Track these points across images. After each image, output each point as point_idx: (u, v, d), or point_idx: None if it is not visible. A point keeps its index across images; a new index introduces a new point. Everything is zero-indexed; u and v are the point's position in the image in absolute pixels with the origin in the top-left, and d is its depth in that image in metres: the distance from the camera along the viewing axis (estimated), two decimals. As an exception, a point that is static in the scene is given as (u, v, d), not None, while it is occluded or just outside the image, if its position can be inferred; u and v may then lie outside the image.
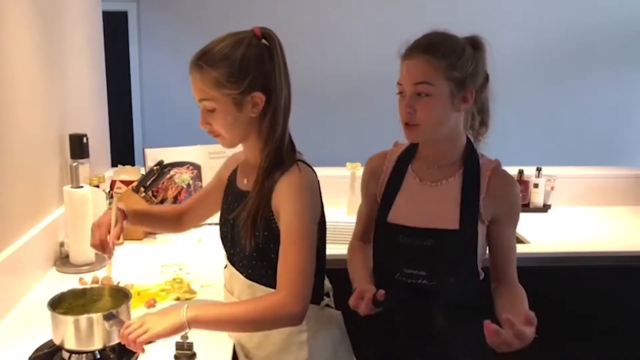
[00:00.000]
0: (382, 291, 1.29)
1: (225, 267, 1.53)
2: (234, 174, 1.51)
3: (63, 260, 2.03)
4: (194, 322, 1.25)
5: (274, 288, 1.31)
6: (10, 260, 1.69)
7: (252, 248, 1.35)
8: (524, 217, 2.69)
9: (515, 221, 1.46)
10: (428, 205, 1.43)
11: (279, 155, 1.34)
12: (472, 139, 1.46)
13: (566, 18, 4.79)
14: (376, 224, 1.51)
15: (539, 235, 2.55)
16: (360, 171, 2.84)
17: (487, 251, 1.49)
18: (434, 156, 1.46)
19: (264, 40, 1.34)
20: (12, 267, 1.71)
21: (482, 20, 4.25)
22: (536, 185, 2.89)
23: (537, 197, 2.89)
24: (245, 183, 1.44)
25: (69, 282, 1.87)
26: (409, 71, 1.36)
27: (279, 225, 1.32)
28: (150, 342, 1.25)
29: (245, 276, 1.42)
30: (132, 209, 1.59)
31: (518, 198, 1.46)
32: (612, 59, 5.00)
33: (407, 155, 1.51)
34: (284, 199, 1.31)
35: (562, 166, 3.15)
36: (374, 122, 3.16)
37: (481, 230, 1.41)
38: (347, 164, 2.83)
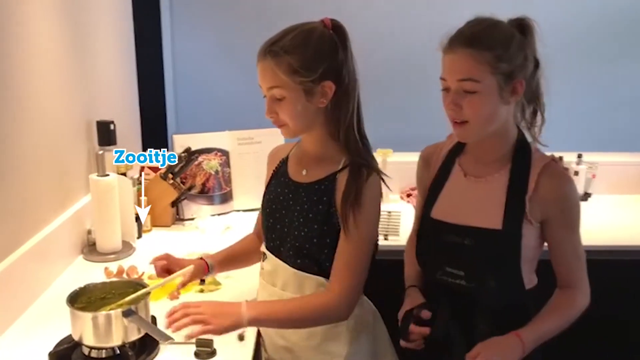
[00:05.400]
0: (427, 313, 1.34)
1: (263, 260, 1.49)
2: (282, 166, 1.48)
3: (90, 248, 2.03)
4: (253, 322, 1.27)
5: (321, 276, 1.35)
6: (37, 249, 1.70)
7: (309, 240, 1.35)
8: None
9: (569, 223, 1.34)
10: (470, 202, 1.37)
11: (356, 153, 1.35)
12: (525, 131, 1.37)
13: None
14: (421, 219, 1.46)
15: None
16: (391, 158, 2.77)
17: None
18: (482, 151, 1.38)
19: (332, 31, 1.33)
20: (39, 255, 1.71)
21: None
22: (576, 173, 2.77)
23: (577, 186, 2.76)
24: (304, 174, 1.41)
25: (95, 270, 1.87)
26: (453, 67, 1.28)
27: (342, 221, 1.31)
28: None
29: (292, 266, 1.39)
30: (217, 258, 1.55)
31: (572, 198, 1.34)
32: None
33: (457, 149, 1.44)
34: (366, 199, 1.30)
35: (605, 152, 3.00)
36: (407, 107, 3.04)
37: (529, 232, 1.32)
38: (378, 150, 2.75)
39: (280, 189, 1.44)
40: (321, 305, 1.30)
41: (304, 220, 1.36)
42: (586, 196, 2.79)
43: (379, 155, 2.74)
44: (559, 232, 1.33)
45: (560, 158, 2.77)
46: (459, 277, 1.35)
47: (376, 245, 1.41)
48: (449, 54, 1.28)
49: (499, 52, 1.24)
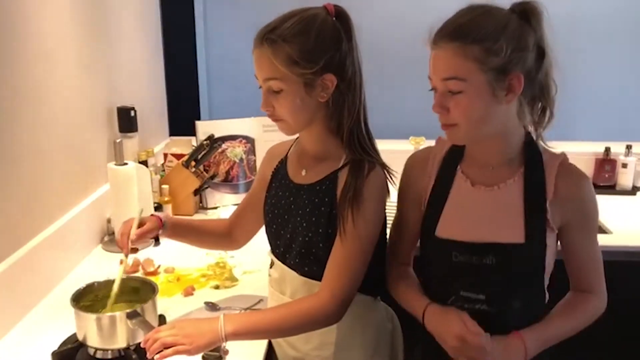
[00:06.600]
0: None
1: (271, 267, 1.42)
2: (282, 167, 1.38)
3: (110, 237, 1.99)
4: (232, 336, 1.18)
5: None
6: (56, 237, 1.67)
7: (315, 245, 1.26)
8: (608, 201, 2.47)
9: (589, 226, 1.22)
10: (485, 215, 1.19)
11: (359, 148, 1.24)
12: (531, 131, 1.21)
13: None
14: (423, 238, 1.29)
15: (624, 223, 2.27)
16: (425, 146, 2.64)
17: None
18: (485, 155, 1.21)
19: (335, 19, 1.22)
20: (57, 245, 1.68)
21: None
22: (624, 165, 2.60)
23: (625, 179, 2.60)
24: (303, 175, 1.31)
25: (112, 261, 1.83)
26: (436, 64, 1.12)
27: (339, 219, 1.22)
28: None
29: (301, 274, 1.31)
30: (173, 219, 1.47)
31: (592, 198, 1.21)
32: None
33: (455, 154, 1.26)
34: (366, 196, 1.21)
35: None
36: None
37: (551, 240, 1.18)
38: (410, 138, 2.63)
39: (282, 192, 1.34)
40: (309, 312, 1.21)
41: (307, 224, 1.26)
42: (635, 190, 2.62)
43: (411, 143, 2.62)
44: (578, 236, 1.21)
45: (608, 149, 2.62)
46: (478, 302, 1.19)
47: (385, 241, 1.33)
48: (434, 49, 1.11)
49: (487, 45, 1.06)
